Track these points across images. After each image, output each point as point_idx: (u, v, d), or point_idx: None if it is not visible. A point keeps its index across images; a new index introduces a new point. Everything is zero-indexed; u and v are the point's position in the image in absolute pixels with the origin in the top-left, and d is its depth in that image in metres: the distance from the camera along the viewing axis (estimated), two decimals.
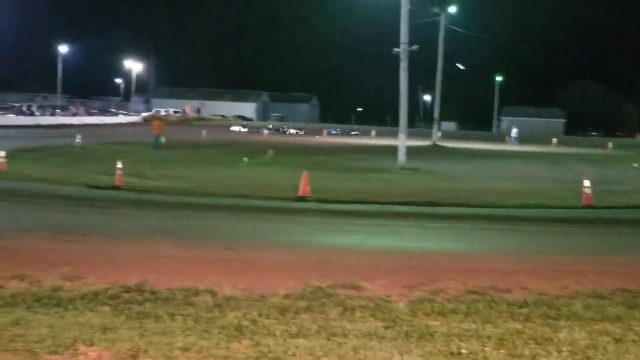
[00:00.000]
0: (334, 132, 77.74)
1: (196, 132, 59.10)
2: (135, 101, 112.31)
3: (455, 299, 7.58)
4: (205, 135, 53.89)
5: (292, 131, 64.94)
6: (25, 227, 12.71)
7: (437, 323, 6.59)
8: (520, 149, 54.82)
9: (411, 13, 31.47)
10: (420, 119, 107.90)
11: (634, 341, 6.17)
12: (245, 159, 31.12)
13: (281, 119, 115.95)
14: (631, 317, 7.02)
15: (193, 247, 10.99)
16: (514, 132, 66.42)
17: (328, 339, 6.06)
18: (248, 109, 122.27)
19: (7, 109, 70.37)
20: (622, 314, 7.11)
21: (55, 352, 5.48)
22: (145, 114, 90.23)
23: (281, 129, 66.14)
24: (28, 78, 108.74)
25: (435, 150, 47.97)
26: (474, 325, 6.52)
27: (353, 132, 77.11)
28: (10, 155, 24.50)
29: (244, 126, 63.22)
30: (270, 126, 68.59)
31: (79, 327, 6.15)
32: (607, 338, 6.22)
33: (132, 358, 5.49)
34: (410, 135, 34.15)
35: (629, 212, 17.98)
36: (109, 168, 21.98)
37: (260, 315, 6.76)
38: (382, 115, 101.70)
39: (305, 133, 65.26)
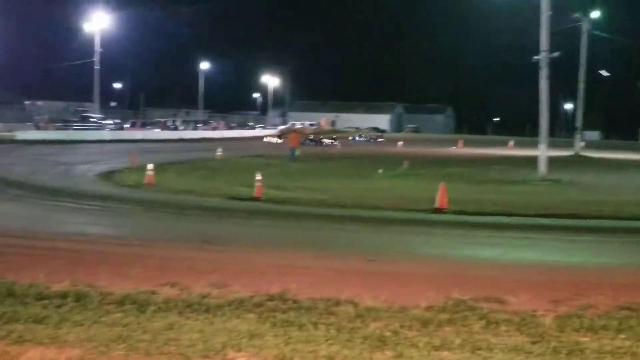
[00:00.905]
0: (359, 138, 76.00)
1: (330, 144, 59.89)
2: (272, 115, 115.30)
3: (606, 314, 7.24)
4: (339, 147, 54.48)
5: (327, 141, 63.04)
6: (173, 237, 13.34)
7: (587, 339, 6.32)
8: None
9: (551, 19, 30.47)
10: (561, 128, 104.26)
11: None
12: (379, 171, 31.19)
13: (416, 130, 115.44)
14: None
15: (332, 258, 11.10)
16: None
17: (473, 353, 5.94)
18: (382, 120, 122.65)
19: (153, 124, 74.14)
20: None
21: (207, 357, 5.69)
22: (281, 127, 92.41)
23: (317, 140, 64.10)
24: (172, 94, 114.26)
25: (577, 161, 46.15)
26: (627, 343, 6.21)
27: (379, 140, 75.46)
28: (157, 169, 25.71)
29: (279, 137, 61.53)
30: (311, 137, 66.66)
31: (228, 333, 6.36)
32: None
33: None
34: (551, 145, 33.04)
35: None
36: (248, 180, 22.62)
37: (402, 326, 6.73)
38: (520, 125, 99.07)
39: (340, 143, 62.75)
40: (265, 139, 62.30)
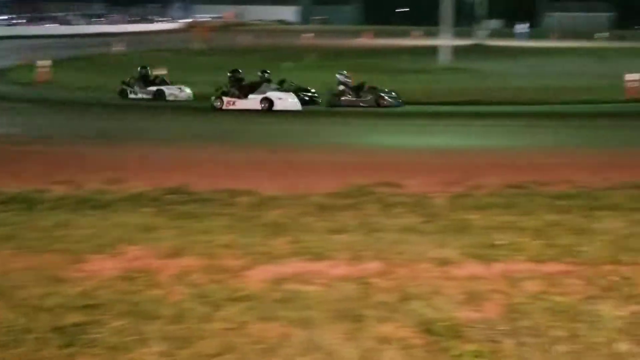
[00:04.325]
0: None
1: (237, 37, 58.58)
2: (175, 8, 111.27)
3: (495, 193, 7.50)
4: (246, 40, 53.35)
5: None
6: (66, 134, 12.94)
7: (476, 217, 6.51)
8: (568, 44, 52.76)
9: None
10: (474, 21, 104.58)
11: None
12: (287, 63, 30.64)
13: (324, 22, 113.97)
14: None
15: (234, 152, 11.06)
16: (521, 27, 66.64)
17: (367, 235, 6.05)
18: (289, 12, 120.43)
19: (45, 20, 70.33)
20: None
21: (99, 252, 5.55)
22: (187, 21, 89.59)
23: None
24: None
25: (479, 50, 46.57)
26: (512, 218, 6.42)
27: None
28: (54, 65, 24.73)
29: None
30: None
31: (122, 227, 6.22)
32: None
33: (173, 256, 5.56)
34: (457, 35, 33.14)
35: None
36: None
37: (300, 213, 6.77)
38: (431, 15, 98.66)
39: None
40: None
